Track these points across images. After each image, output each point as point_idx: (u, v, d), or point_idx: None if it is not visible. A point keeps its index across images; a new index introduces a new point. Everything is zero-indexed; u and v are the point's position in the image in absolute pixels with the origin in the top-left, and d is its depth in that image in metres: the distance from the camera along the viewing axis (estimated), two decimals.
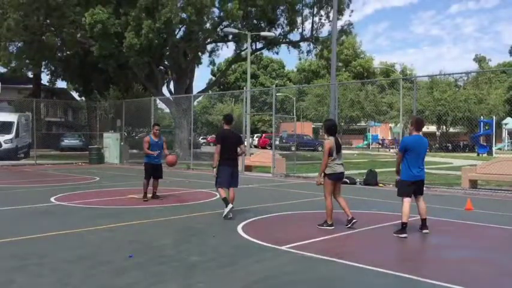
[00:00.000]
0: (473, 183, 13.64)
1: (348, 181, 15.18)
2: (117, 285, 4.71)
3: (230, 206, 8.40)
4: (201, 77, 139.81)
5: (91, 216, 8.68)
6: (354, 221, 7.47)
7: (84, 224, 7.81)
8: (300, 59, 59.60)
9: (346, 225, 7.43)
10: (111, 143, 25.18)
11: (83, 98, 42.50)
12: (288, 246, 6.27)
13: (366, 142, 54.81)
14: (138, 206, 9.99)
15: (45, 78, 42.14)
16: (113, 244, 6.49)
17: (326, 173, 7.45)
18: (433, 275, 5.05)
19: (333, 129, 7.60)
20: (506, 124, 41.25)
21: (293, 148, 20.70)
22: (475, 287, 4.67)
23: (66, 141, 37.38)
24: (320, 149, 42.67)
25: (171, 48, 26.06)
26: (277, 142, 32.23)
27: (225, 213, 8.37)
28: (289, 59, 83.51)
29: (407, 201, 7.12)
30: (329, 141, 7.44)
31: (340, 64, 57.17)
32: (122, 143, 25.35)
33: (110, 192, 12.48)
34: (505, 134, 43.56)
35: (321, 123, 55.70)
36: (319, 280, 4.97)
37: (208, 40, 28.88)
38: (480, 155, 34.22)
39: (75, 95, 47.34)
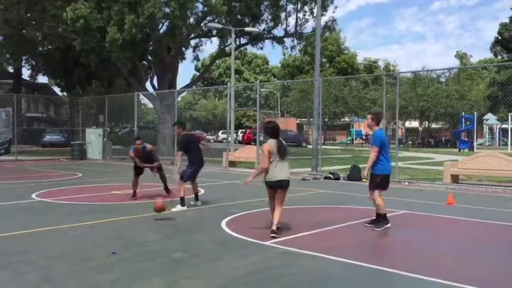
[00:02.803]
0: (455, 178, 13.82)
1: (332, 176, 15.30)
2: (101, 282, 4.68)
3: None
4: (185, 72, 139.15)
5: (73, 212, 8.59)
6: (273, 235, 6.47)
7: (67, 220, 7.73)
8: (284, 55, 59.59)
9: (271, 234, 6.49)
10: (93, 139, 24.95)
11: (65, 93, 41.99)
12: (271, 241, 6.29)
13: (349, 138, 55.10)
14: (121, 202, 9.92)
15: (26, 73, 41.60)
16: (96, 241, 6.44)
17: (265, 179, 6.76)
18: (413, 269, 5.11)
19: (274, 131, 6.77)
20: (487, 120, 41.81)
21: None
22: (455, 279, 4.74)
23: (48, 137, 36.88)
24: (304, 144, 42.84)
25: (155, 43, 25.87)
26: (261, 138, 32.19)
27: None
28: (273, 54, 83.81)
29: (379, 193, 7.27)
30: (268, 144, 6.68)
31: (324, 60, 57.30)
32: (105, 139, 25.12)
33: (93, 188, 12.37)
34: (486, 129, 44.19)
35: (305, 119, 56.04)
36: (303, 275, 4.99)
37: (192, 35, 28.75)
38: (461, 150, 34.68)
39: (56, 90, 46.77)
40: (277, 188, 6.71)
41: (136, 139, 10.81)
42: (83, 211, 8.75)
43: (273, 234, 6.48)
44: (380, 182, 7.25)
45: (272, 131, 6.77)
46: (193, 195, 9.54)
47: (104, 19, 22.74)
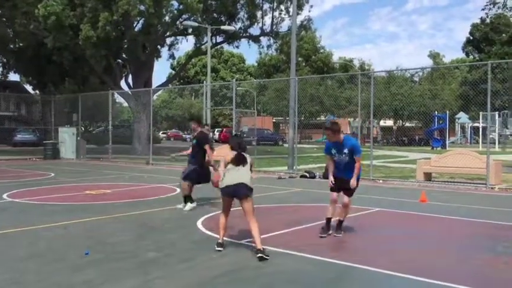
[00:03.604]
0: (428, 176, 14.06)
1: (307, 175, 15.39)
2: (73, 283, 4.60)
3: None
4: (161, 70, 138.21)
5: (46, 212, 8.44)
6: (262, 255, 5.46)
7: (39, 220, 7.58)
8: (260, 54, 59.65)
9: (259, 255, 5.50)
10: (67, 138, 24.55)
11: (37, 92, 41.11)
12: (247, 240, 6.28)
13: (325, 136, 55.53)
14: (95, 202, 9.77)
15: None
16: (69, 241, 6.33)
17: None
18: (387, 266, 5.19)
19: (239, 146, 6.10)
20: (459, 118, 42.72)
21: (254, 142, 20.73)
22: (426, 275, 4.83)
23: (20, 136, 36.15)
24: (280, 143, 43.01)
25: (130, 41, 25.54)
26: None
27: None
28: (249, 53, 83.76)
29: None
30: (228, 155, 6.05)
31: (300, 59, 57.60)
32: (79, 138, 24.75)
33: (66, 188, 12.16)
34: (457, 128, 45.11)
35: (282, 118, 56.23)
36: (280, 273, 5.00)
37: (168, 33, 28.51)
38: (434, 148, 35.31)
39: (29, 88, 45.75)
40: (230, 195, 5.92)
41: (191, 119, 10.23)
42: (55, 211, 8.59)
43: (261, 255, 5.45)
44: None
45: (235, 145, 6.11)
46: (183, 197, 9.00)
47: (77, 16, 22.35)
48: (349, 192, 6.73)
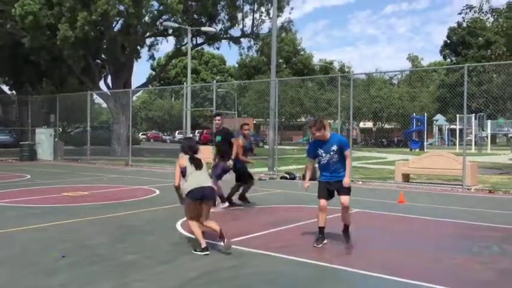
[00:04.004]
0: (406, 177, 14.22)
1: (288, 176, 15.43)
2: (48, 287, 4.52)
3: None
4: (141, 71, 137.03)
5: (21, 215, 8.28)
6: (206, 252, 5.66)
7: (14, 223, 7.43)
8: (241, 55, 59.64)
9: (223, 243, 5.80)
10: (44, 139, 24.18)
11: (14, 92, 40.37)
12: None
13: (305, 138, 55.71)
14: (72, 204, 9.63)
15: None
16: (44, 244, 6.22)
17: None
18: (364, 266, 5.23)
19: (189, 148, 6.12)
20: (436, 120, 43.32)
21: None
22: (403, 275, 4.88)
23: None
24: (261, 144, 43.01)
25: (109, 41, 25.26)
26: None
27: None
28: (230, 54, 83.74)
29: None
30: (182, 160, 6.04)
31: (280, 61, 57.74)
32: (56, 139, 24.39)
33: (43, 190, 11.95)
34: (435, 130, 45.76)
35: (262, 119, 56.30)
36: (257, 274, 5.00)
37: (148, 34, 28.29)
38: (413, 150, 35.76)
39: (5, 88, 44.87)
40: (198, 199, 5.84)
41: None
42: (31, 214, 8.44)
43: (224, 240, 5.70)
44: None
45: (184, 148, 6.13)
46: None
47: (55, 16, 22.03)
48: (346, 191, 6.27)
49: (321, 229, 6.30)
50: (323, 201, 6.26)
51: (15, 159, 23.11)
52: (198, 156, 6.07)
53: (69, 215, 8.27)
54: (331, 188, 6.29)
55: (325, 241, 6.30)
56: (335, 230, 7.13)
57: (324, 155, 6.23)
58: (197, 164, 5.98)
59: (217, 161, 9.24)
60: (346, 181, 6.21)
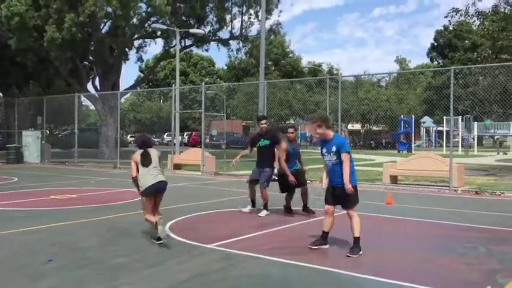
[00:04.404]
0: (394, 179, 14.32)
1: (276, 178, 15.40)
2: None
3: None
4: (129, 73, 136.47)
5: (7, 218, 8.21)
6: (161, 241, 6.21)
7: (1, 226, 7.36)
8: (229, 57, 59.62)
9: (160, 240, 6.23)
10: (31, 142, 23.96)
11: (0, 94, 39.96)
12: (215, 244, 6.27)
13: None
14: (60, 207, 9.56)
15: None
16: (32, 247, 6.18)
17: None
18: (351, 267, 5.28)
19: (142, 143, 6.67)
20: (424, 122, 43.67)
21: (223, 146, 20.70)
22: (389, 276, 4.92)
23: None
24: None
25: (96, 43, 25.13)
26: (207, 140, 32.10)
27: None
28: (219, 56, 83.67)
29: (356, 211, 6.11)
30: (136, 154, 6.62)
31: (269, 63, 57.85)
32: (43, 142, 24.18)
33: (30, 193, 11.85)
34: (423, 131, 46.14)
35: (251, 121, 56.31)
36: (245, 277, 5.02)
37: (136, 36, 28.20)
38: (400, 151, 36.00)
39: None
40: (153, 192, 6.47)
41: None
42: (18, 217, 8.37)
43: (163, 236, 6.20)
44: (356, 194, 6.06)
45: (138, 142, 6.78)
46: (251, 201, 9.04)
47: (42, 17, 21.87)
48: (348, 204, 5.99)
49: (323, 233, 6.23)
50: (327, 206, 6.16)
51: (1, 162, 22.87)
52: (151, 151, 6.57)
53: (57, 218, 8.22)
54: (335, 192, 6.05)
55: (327, 246, 6.20)
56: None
57: (326, 154, 6.02)
58: (145, 161, 6.49)
59: (263, 168, 8.80)
60: (346, 188, 5.86)
